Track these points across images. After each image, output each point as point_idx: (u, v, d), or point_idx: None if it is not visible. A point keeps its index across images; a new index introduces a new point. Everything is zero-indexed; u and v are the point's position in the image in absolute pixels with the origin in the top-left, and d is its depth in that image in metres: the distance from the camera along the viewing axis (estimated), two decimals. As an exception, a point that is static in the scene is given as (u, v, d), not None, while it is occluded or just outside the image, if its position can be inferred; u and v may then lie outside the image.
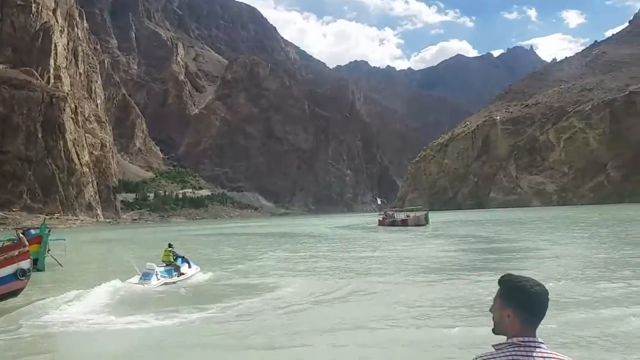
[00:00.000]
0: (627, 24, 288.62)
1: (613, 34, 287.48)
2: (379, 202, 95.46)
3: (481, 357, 2.07)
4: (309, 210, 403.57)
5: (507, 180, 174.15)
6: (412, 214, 69.34)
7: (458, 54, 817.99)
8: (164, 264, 18.24)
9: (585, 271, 16.09)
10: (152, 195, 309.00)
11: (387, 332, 9.55)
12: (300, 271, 20.26)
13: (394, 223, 64.04)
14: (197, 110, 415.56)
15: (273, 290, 15.33)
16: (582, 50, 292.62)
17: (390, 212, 75.04)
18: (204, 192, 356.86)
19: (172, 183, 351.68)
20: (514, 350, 2.03)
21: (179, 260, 18.83)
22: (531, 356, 1.98)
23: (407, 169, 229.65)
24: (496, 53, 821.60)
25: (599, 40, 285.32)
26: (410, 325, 9.94)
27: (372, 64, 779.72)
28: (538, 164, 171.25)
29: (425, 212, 66.38)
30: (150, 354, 9.08)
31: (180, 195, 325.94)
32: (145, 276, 16.86)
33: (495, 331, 2.16)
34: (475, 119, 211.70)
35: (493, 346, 2.12)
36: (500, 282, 2.15)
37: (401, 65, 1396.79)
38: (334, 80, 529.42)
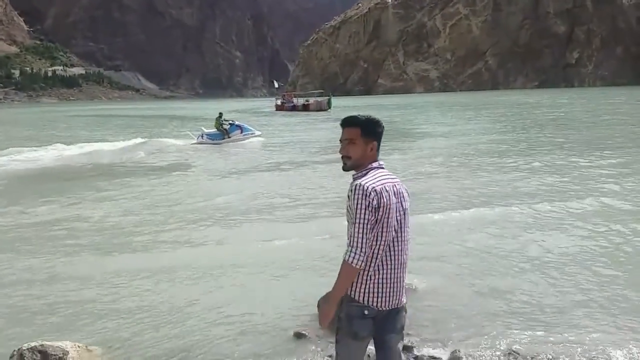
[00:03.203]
0: None
1: None
2: (277, 85, 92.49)
3: (358, 182, 2.43)
4: (197, 94, 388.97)
5: (395, 66, 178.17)
6: (312, 99, 67.84)
7: None
8: (214, 130, 23.28)
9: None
10: (17, 72, 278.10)
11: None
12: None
13: (294, 108, 62.91)
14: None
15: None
16: None
17: (290, 97, 73.45)
18: (77, 71, 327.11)
19: (39, 59, 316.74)
20: (382, 170, 2.52)
21: (232, 127, 23.20)
22: (388, 172, 2.55)
23: (299, 53, 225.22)
24: None
25: None
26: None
27: None
28: (424, 50, 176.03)
29: (329, 97, 65.88)
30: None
31: (49, 74, 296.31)
32: (198, 137, 22.87)
33: (350, 168, 2.56)
34: (367, 2, 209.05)
35: (355, 176, 2.51)
36: (358, 123, 2.53)
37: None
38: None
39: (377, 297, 2.47)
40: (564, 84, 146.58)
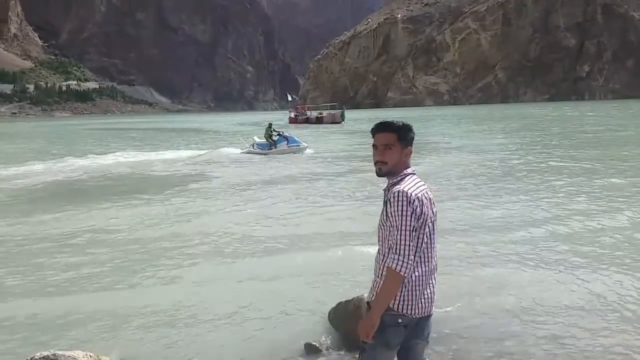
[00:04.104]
0: None
1: None
2: (290, 98, 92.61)
3: (401, 189, 2.40)
4: (208, 108, 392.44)
5: (404, 80, 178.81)
6: (326, 112, 68.19)
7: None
8: (264, 140, 23.51)
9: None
10: (32, 87, 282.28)
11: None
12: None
13: (307, 120, 63.15)
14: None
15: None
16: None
17: (303, 109, 73.80)
18: (91, 85, 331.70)
19: (54, 74, 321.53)
20: (416, 177, 2.51)
21: (280, 138, 23.30)
22: (420, 179, 2.54)
23: (309, 67, 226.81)
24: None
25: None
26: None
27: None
28: (433, 64, 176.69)
29: (342, 109, 66.05)
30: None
31: (64, 88, 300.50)
32: (250, 146, 23.50)
33: (385, 174, 2.52)
34: (377, 17, 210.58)
35: (392, 182, 2.49)
36: (394, 128, 2.49)
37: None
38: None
39: (411, 305, 2.45)
40: (575, 97, 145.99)
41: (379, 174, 2.54)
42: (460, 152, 21.37)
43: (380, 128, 2.54)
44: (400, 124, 2.53)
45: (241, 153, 23.12)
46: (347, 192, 12.22)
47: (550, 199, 10.34)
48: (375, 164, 2.54)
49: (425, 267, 2.47)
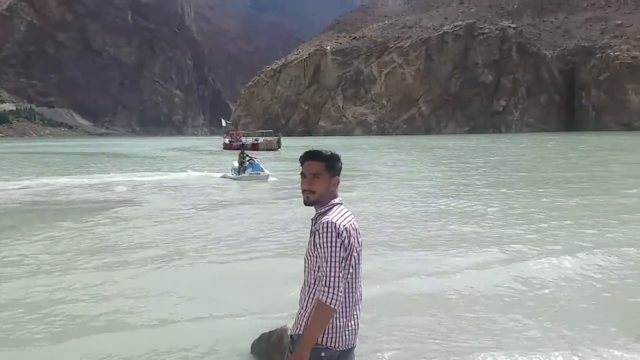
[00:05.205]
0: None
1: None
2: (224, 123, 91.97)
3: (329, 220, 2.37)
4: (133, 131, 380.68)
5: (334, 110, 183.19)
6: (262, 138, 68.31)
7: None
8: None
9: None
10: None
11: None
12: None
13: (243, 147, 62.94)
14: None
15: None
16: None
17: (238, 135, 73.52)
18: (8, 107, 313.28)
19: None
20: (343, 207, 2.51)
21: (248, 164, 23.57)
22: (347, 209, 2.54)
23: (240, 93, 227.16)
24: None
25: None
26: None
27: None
28: (362, 95, 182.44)
29: (278, 136, 66.28)
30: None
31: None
32: (230, 171, 24.49)
33: (312, 202, 2.50)
34: (307, 47, 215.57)
35: (320, 212, 2.47)
36: (323, 157, 2.49)
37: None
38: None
39: (335, 338, 2.39)
40: (492, 130, 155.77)
41: (307, 202, 2.52)
42: (389, 180, 22.90)
43: (309, 156, 2.53)
44: (329, 153, 2.53)
45: (220, 177, 24.23)
46: (281, 224, 11.54)
47: (470, 219, 11.80)
48: (303, 192, 2.52)
49: (349, 298, 2.43)
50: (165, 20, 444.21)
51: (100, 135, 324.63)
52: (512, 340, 5.01)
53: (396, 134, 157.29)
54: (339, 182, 2.55)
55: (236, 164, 24.22)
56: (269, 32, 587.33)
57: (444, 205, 14.14)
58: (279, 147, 60.06)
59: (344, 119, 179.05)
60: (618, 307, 5.85)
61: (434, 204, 14.33)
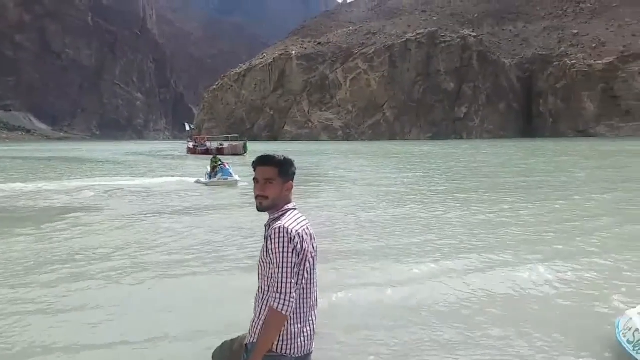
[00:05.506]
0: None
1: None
2: (188, 128, 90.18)
3: (281, 225, 2.36)
4: (93, 135, 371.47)
5: (300, 114, 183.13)
6: (227, 143, 67.19)
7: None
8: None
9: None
10: None
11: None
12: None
13: (207, 152, 62.00)
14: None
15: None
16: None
17: (202, 140, 72.44)
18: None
19: None
20: (297, 212, 2.50)
21: (219, 169, 23.38)
22: (301, 214, 2.53)
23: (204, 97, 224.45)
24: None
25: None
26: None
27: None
28: (327, 101, 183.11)
29: (244, 141, 65.53)
30: None
31: None
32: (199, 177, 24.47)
33: (266, 208, 2.48)
34: (272, 52, 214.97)
35: (273, 218, 2.46)
36: (275, 162, 2.47)
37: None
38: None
39: (290, 344, 2.37)
40: (454, 136, 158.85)
41: (260, 208, 2.50)
42: (355, 185, 22.98)
43: (261, 162, 2.51)
44: (282, 158, 2.51)
45: (194, 182, 23.91)
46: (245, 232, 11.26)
47: (432, 226, 11.90)
48: (255, 198, 2.49)
49: (304, 303, 2.41)
50: (126, 23, 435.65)
51: (59, 139, 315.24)
52: (468, 354, 4.98)
53: (362, 140, 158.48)
54: (292, 187, 2.53)
55: (209, 168, 24.13)
56: (233, 35, 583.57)
57: (408, 211, 14.26)
58: (245, 152, 59.38)
59: (310, 124, 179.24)
60: (576, 319, 5.84)
61: (398, 211, 14.42)
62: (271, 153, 2.55)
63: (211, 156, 27.39)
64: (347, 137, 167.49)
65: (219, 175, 23.18)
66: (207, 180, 23.31)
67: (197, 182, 23.73)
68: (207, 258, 8.99)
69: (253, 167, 2.53)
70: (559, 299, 6.50)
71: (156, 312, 6.19)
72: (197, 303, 6.53)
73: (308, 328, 2.43)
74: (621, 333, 4.62)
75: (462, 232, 10.93)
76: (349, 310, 6.14)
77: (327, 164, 40.71)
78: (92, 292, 7.00)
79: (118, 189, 21.20)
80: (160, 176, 28.67)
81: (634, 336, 4.41)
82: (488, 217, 12.93)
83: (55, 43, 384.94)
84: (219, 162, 23.96)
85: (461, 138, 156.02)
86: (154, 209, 15.34)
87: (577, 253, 8.90)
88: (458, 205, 15.36)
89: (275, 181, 2.46)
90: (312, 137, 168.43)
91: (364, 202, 16.36)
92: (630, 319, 4.66)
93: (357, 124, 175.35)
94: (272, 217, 2.48)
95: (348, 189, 20.77)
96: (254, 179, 2.53)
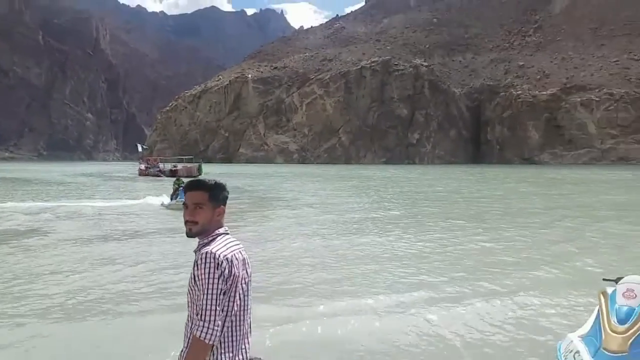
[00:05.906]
0: (363, 4, 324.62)
1: (352, 11, 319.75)
2: (141, 149, 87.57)
3: (208, 250, 2.30)
4: (40, 156, 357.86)
5: (255, 137, 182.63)
6: (181, 165, 65.85)
7: (213, 6, 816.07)
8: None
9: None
10: None
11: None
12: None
13: (160, 173, 60.63)
14: None
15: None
16: (325, 22, 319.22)
17: (155, 161, 70.59)
18: None
19: None
20: (229, 236, 2.43)
21: (181, 191, 22.62)
22: (234, 238, 2.47)
23: (156, 118, 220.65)
24: (250, 12, 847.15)
25: (340, 15, 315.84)
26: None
27: (120, 0, 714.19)
28: (283, 124, 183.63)
29: (199, 162, 64.35)
30: None
31: None
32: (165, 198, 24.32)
33: (196, 234, 2.41)
34: (228, 74, 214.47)
35: (202, 243, 2.40)
36: (205, 187, 2.42)
37: (153, 7, 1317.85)
38: (75, 11, 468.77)
39: None
40: (407, 161, 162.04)
41: (189, 234, 2.43)
42: (311, 208, 22.94)
43: (191, 186, 2.45)
44: (213, 182, 2.45)
45: (160, 205, 23.76)
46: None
47: (382, 258, 11.92)
48: (185, 223, 2.42)
49: (237, 331, 2.34)
50: (78, 42, 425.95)
51: (4, 159, 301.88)
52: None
53: (317, 163, 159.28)
54: (224, 212, 2.47)
55: (173, 190, 24.04)
56: (189, 57, 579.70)
57: (361, 238, 14.22)
58: (200, 174, 58.53)
59: (265, 147, 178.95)
60: (517, 345, 5.86)
61: (351, 237, 14.38)
62: (202, 178, 2.50)
63: (162, 177, 27.06)
64: (303, 160, 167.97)
65: (179, 197, 22.74)
66: (168, 203, 23.14)
67: (162, 205, 23.57)
68: (147, 289, 8.43)
69: (184, 192, 2.48)
70: (500, 330, 6.41)
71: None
72: (140, 344, 6.08)
73: (240, 357, 2.37)
74: (562, 356, 4.69)
75: (414, 263, 10.69)
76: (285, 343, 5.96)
77: (282, 186, 40.55)
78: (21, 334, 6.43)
79: (68, 212, 20.42)
80: (107, 199, 27.75)
81: (574, 358, 4.49)
82: (441, 244, 13.07)
83: (3, 61, 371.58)
84: (181, 184, 23.36)
85: (414, 163, 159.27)
86: (102, 233, 14.83)
87: (527, 287, 8.54)
88: (409, 232, 15.49)
89: (205, 206, 2.39)
90: (268, 160, 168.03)
91: (319, 228, 16.30)
92: (571, 341, 4.77)
93: (313, 147, 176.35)
94: (201, 242, 2.42)
95: (304, 213, 20.68)
96: (184, 203, 2.45)
